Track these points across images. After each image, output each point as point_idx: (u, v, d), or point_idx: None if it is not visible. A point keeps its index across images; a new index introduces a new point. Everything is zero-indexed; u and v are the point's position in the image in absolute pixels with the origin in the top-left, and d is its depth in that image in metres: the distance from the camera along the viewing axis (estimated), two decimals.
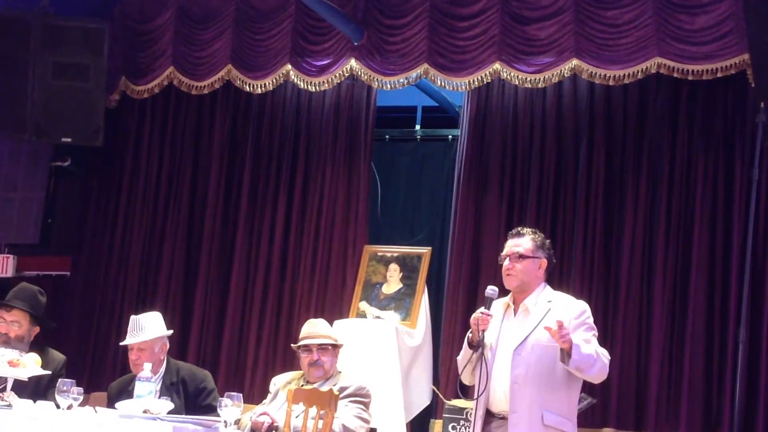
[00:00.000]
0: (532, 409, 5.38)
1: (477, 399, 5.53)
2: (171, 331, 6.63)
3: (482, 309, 5.48)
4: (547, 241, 5.71)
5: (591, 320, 5.54)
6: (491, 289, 5.50)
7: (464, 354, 5.59)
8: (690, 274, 7.81)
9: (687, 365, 7.67)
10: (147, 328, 6.43)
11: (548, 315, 5.46)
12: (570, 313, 5.49)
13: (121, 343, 6.59)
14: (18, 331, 6.55)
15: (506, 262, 5.59)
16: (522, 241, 5.62)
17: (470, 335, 5.51)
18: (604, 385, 7.78)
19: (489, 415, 5.53)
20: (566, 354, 5.26)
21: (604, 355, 5.41)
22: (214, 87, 9.17)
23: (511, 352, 5.45)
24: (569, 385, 5.50)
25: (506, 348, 5.47)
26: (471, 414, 5.77)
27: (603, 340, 7.85)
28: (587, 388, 7.69)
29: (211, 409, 6.20)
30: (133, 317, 6.53)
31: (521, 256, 5.57)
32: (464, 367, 5.59)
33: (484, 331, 5.46)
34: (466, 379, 5.64)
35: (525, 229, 5.73)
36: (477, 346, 5.48)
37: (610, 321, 7.99)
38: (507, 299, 5.65)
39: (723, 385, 7.55)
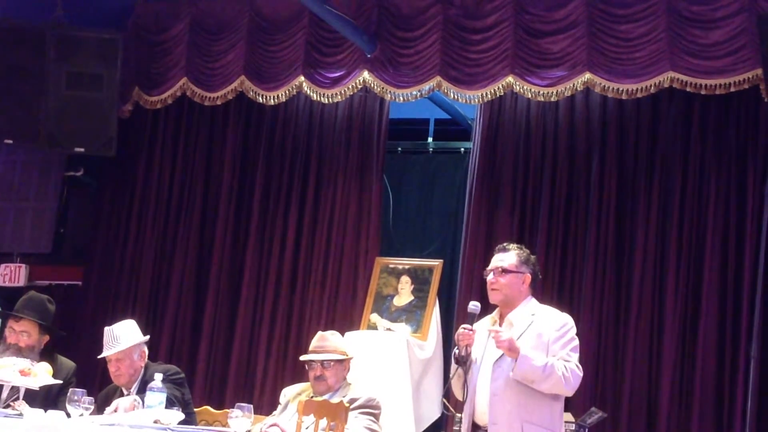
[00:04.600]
0: (511, 420, 5.44)
1: (462, 412, 5.65)
2: (147, 337, 6.56)
3: (464, 325, 5.55)
4: (533, 257, 5.81)
5: (572, 333, 5.59)
6: (473, 305, 5.60)
7: (452, 369, 5.67)
8: (702, 289, 7.79)
9: (698, 380, 7.65)
10: (122, 337, 6.37)
11: (530, 327, 5.53)
12: (552, 325, 5.57)
13: (98, 357, 6.54)
14: (28, 341, 6.57)
15: (490, 276, 5.68)
16: (506, 256, 5.72)
17: (456, 351, 5.56)
18: (615, 399, 7.81)
19: (475, 428, 5.61)
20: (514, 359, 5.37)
21: (569, 370, 5.41)
22: (227, 98, 9.19)
23: (492, 365, 5.51)
24: (552, 396, 5.53)
25: (489, 361, 5.57)
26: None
27: (614, 354, 7.92)
28: (598, 402, 7.69)
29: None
30: (107, 329, 6.41)
31: (504, 271, 5.66)
32: (451, 381, 5.70)
33: (468, 346, 5.56)
34: (457, 394, 5.73)
35: (510, 245, 5.85)
36: (463, 361, 5.53)
37: (622, 335, 7.98)
38: (494, 314, 5.72)
39: (734, 400, 7.53)
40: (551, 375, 5.34)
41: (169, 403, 5.83)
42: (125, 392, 6.36)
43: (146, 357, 6.48)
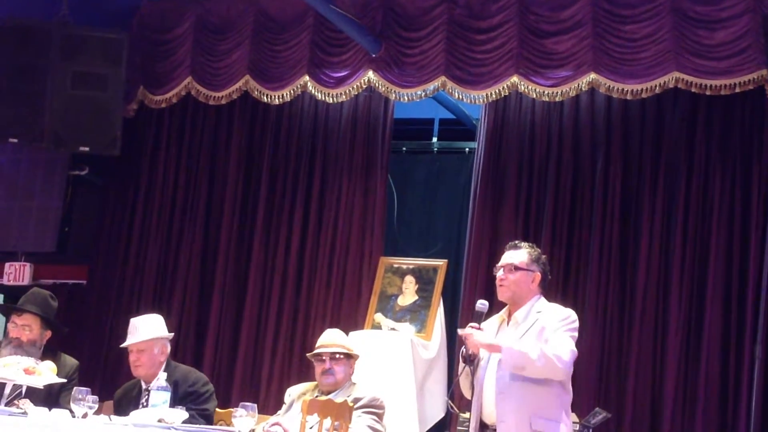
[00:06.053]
0: (519, 416, 5.41)
1: (469, 411, 5.62)
2: (171, 334, 6.62)
3: (472, 323, 5.54)
4: (543, 256, 5.79)
5: (573, 325, 5.55)
6: (481, 303, 5.58)
7: (459, 368, 5.67)
8: (706, 290, 7.78)
9: (702, 381, 7.64)
10: (145, 329, 6.43)
11: (535, 324, 5.52)
12: (555, 318, 5.54)
13: (120, 345, 6.60)
14: (30, 335, 6.58)
15: (500, 273, 5.67)
16: (518, 254, 5.70)
17: (464, 350, 5.55)
18: (619, 400, 7.81)
19: (483, 427, 5.58)
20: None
21: (558, 348, 5.36)
22: (232, 97, 9.19)
23: (498, 363, 5.50)
24: (557, 389, 5.50)
25: (495, 359, 5.53)
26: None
27: (618, 355, 7.92)
28: (602, 402, 7.69)
29: (199, 414, 6.22)
30: (132, 319, 6.53)
31: (516, 268, 5.64)
32: (458, 380, 5.71)
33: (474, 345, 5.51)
34: (466, 392, 5.73)
35: (522, 242, 5.83)
36: (470, 360, 5.52)
37: (626, 336, 7.97)
38: (502, 313, 5.72)
39: (738, 401, 7.52)
40: (540, 356, 5.30)
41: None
42: (144, 386, 6.39)
43: (168, 353, 6.52)
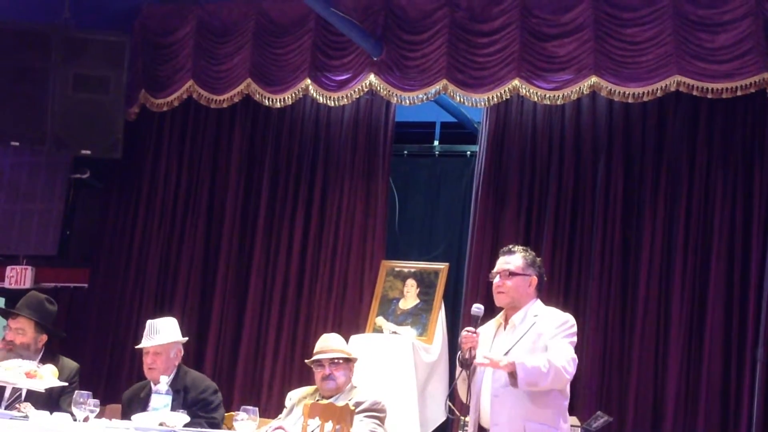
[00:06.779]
0: (513, 420, 5.41)
1: (468, 415, 5.58)
2: (186, 338, 6.64)
3: (468, 328, 5.52)
4: (538, 259, 5.77)
5: (572, 331, 5.54)
6: (477, 308, 5.54)
7: (457, 373, 5.66)
8: (708, 293, 7.78)
9: (704, 384, 7.64)
10: (163, 332, 6.45)
11: (532, 329, 5.50)
12: (552, 323, 5.53)
13: (137, 347, 6.61)
14: (23, 339, 6.58)
15: (497, 279, 5.64)
16: (512, 259, 5.67)
17: (460, 354, 5.54)
18: (621, 403, 7.80)
19: (482, 431, 5.56)
20: (513, 377, 5.27)
21: (562, 358, 5.34)
22: (233, 101, 9.19)
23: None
24: (553, 393, 5.48)
25: None
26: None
27: (619, 358, 7.92)
28: (603, 405, 7.68)
29: (207, 423, 6.22)
30: (149, 321, 6.55)
31: (511, 274, 5.62)
32: (455, 384, 5.70)
33: (472, 349, 5.48)
34: (463, 396, 5.69)
35: (516, 246, 5.79)
36: (467, 364, 5.51)
37: (627, 339, 7.97)
38: (499, 317, 5.70)
39: (740, 403, 7.52)
40: (550, 369, 5.27)
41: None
42: (153, 387, 6.39)
43: (181, 357, 6.54)
